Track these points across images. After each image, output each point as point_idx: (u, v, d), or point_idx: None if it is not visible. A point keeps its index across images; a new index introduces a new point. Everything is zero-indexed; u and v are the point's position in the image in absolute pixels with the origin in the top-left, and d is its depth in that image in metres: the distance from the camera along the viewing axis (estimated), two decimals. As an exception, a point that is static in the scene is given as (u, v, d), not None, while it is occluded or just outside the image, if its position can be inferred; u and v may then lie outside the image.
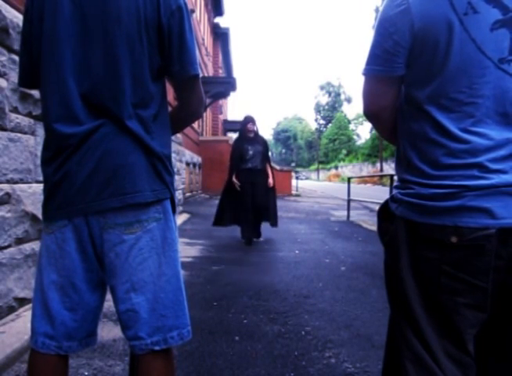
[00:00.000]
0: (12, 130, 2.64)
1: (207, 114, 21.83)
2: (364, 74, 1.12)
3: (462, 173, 0.97)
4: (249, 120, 6.15)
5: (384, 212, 1.15)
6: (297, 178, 27.18)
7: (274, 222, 6.22)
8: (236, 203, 5.94)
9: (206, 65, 20.44)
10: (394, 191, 1.12)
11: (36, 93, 2.77)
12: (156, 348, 1.16)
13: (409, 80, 1.07)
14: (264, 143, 6.20)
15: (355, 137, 67.89)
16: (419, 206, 1.01)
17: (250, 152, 5.97)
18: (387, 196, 1.25)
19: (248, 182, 5.91)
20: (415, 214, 1.03)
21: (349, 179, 10.85)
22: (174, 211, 1.23)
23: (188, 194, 12.98)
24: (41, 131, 2.89)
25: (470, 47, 0.96)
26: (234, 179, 5.96)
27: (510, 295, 1.01)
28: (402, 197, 1.06)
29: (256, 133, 6.14)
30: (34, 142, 2.87)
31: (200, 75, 1.26)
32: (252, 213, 5.90)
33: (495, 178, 0.95)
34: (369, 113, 1.17)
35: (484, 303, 0.99)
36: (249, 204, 5.88)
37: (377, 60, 1.06)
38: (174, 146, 8.90)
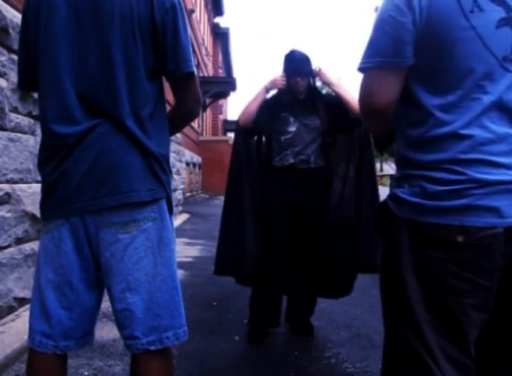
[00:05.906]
0: (12, 130, 2.64)
1: (207, 114, 21.81)
2: (363, 68, 1.04)
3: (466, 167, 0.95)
4: (292, 67, 2.46)
5: (383, 213, 1.11)
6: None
7: (346, 289, 2.62)
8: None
9: (206, 65, 20.43)
10: (396, 190, 1.06)
11: (36, 93, 2.77)
12: (152, 347, 1.15)
13: (414, 77, 1.03)
14: (330, 107, 2.50)
15: (355, 137, 67.82)
16: (424, 206, 0.98)
17: (292, 128, 2.49)
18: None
19: (287, 201, 2.51)
20: (419, 214, 0.99)
21: (349, 179, 10.82)
22: (170, 211, 1.23)
23: (188, 194, 12.97)
24: (40, 131, 2.88)
25: (476, 44, 0.95)
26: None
27: (511, 294, 1.00)
28: (404, 196, 1.02)
29: (311, 90, 2.54)
30: (34, 142, 2.87)
31: (197, 74, 1.26)
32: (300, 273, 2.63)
33: (501, 175, 0.93)
34: (373, 111, 1.06)
35: (488, 303, 0.97)
36: (287, 255, 2.55)
37: (385, 52, 1.00)
38: (174, 146, 8.90)
